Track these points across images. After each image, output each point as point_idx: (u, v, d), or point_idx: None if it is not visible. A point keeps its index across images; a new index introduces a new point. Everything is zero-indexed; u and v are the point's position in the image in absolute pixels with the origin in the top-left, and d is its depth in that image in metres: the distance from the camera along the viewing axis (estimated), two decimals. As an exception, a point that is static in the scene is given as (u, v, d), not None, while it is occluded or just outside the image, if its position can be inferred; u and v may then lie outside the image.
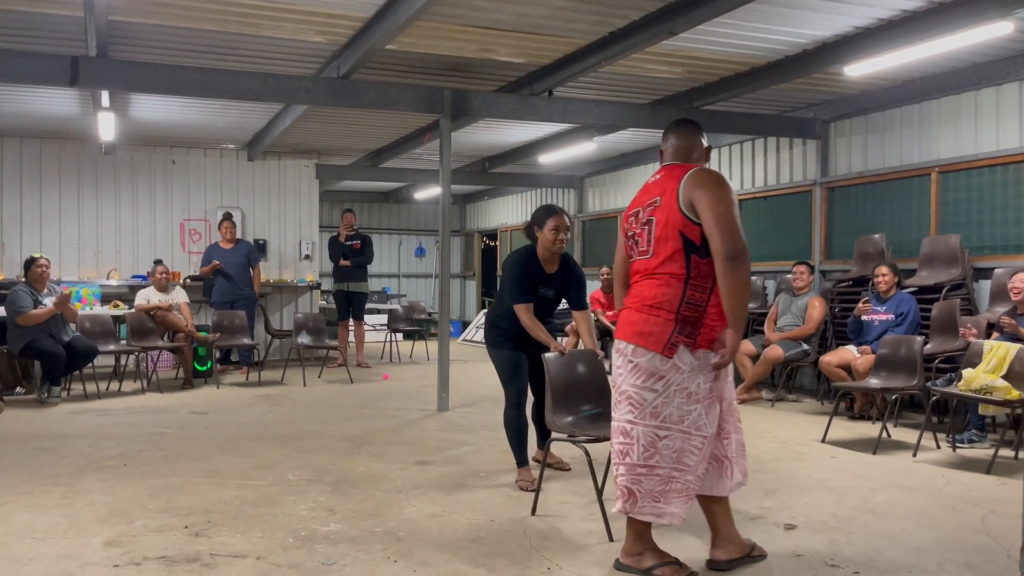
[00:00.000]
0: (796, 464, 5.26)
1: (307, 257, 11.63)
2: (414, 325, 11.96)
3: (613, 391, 3.31)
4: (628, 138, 10.47)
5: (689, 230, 3.02)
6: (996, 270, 6.72)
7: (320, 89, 7.04)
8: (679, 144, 3.30)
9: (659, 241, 3.09)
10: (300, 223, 11.64)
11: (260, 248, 11.20)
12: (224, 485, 4.63)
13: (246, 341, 9.15)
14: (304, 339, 9.31)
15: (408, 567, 3.36)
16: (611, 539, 3.68)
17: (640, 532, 3.26)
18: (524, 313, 4.70)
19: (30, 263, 7.80)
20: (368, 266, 10.56)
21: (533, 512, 4.07)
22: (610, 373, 3.56)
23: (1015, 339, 5.56)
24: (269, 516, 4.05)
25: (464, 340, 14.48)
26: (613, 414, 3.28)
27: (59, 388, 7.64)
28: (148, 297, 8.89)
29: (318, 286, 11.69)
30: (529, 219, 4.87)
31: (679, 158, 3.29)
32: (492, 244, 16.79)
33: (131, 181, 10.75)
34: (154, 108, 8.81)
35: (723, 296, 2.99)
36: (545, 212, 4.83)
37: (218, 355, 9.27)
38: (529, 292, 4.74)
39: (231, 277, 9.62)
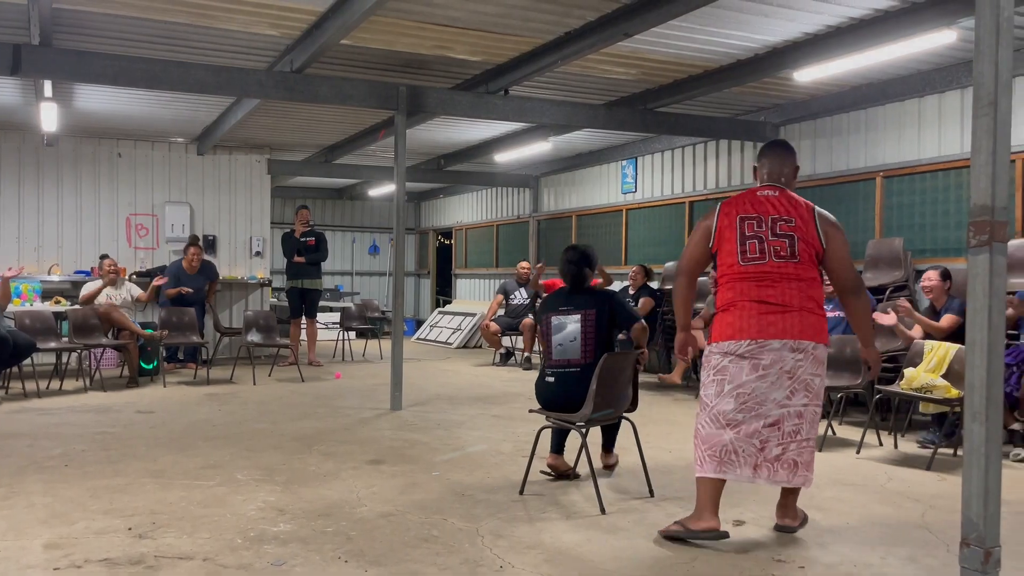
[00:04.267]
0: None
1: (258, 254, 11.44)
2: (367, 323, 11.86)
3: (793, 385, 3.63)
4: (583, 138, 10.52)
5: (819, 252, 3.74)
6: (937, 272, 6.93)
7: (273, 83, 6.93)
8: (774, 167, 3.88)
9: (803, 252, 3.70)
10: (251, 219, 11.45)
11: (210, 245, 11.00)
12: (170, 485, 4.54)
13: (195, 339, 8.97)
14: (254, 337, 9.17)
15: (359, 567, 3.33)
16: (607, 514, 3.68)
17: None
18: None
19: None
20: (322, 263, 10.46)
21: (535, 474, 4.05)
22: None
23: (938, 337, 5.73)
24: (217, 516, 3.97)
25: (418, 339, 14.40)
26: (789, 402, 3.64)
27: None
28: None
29: (269, 283, 11.51)
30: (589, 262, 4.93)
31: (776, 180, 3.86)
32: (447, 242, 16.74)
33: (74, 174, 10.46)
34: (100, 99, 8.57)
35: (859, 319, 3.79)
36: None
37: (164, 353, 9.06)
38: None
39: (192, 303, 9.31)
